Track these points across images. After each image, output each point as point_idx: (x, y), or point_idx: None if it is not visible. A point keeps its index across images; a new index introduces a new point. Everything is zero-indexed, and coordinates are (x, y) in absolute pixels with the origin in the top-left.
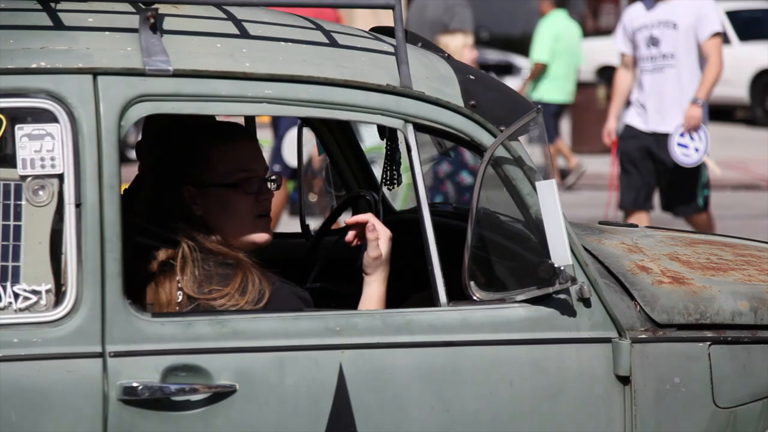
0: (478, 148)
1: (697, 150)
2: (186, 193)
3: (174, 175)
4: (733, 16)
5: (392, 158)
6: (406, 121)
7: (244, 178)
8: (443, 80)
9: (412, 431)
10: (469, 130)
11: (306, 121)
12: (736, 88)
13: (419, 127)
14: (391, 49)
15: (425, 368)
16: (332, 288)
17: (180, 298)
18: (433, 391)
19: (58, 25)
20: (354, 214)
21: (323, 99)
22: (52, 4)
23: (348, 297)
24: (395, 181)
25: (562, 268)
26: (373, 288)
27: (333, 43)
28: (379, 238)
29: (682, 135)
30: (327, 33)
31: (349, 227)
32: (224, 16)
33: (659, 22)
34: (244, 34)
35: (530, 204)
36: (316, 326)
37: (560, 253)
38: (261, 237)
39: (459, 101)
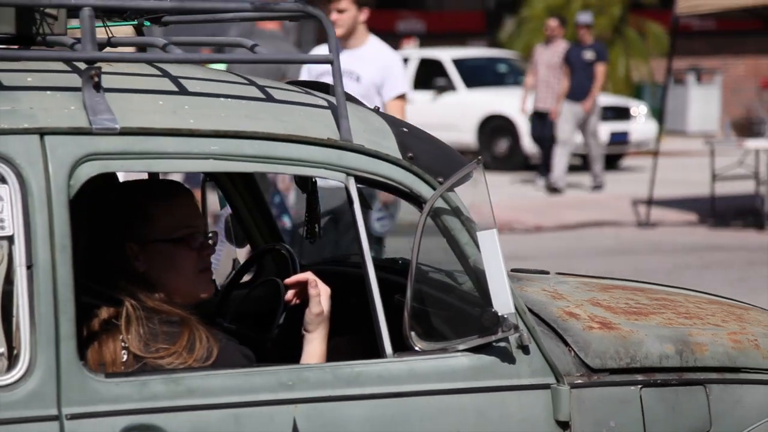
0: (417, 200)
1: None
2: (128, 250)
3: (114, 232)
4: (459, 64)
5: (312, 212)
6: (348, 174)
7: (188, 234)
8: (379, 133)
9: None
10: (408, 182)
11: (210, 175)
12: (464, 134)
13: (360, 180)
14: (325, 103)
15: (376, 419)
16: (247, 332)
17: (125, 357)
18: None
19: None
20: (259, 268)
21: (267, 154)
22: None
23: (265, 342)
24: (316, 234)
25: (504, 316)
26: (315, 345)
27: (270, 98)
28: (321, 294)
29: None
30: (262, 88)
31: (287, 286)
32: (159, 73)
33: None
34: (183, 91)
35: (468, 254)
36: (268, 381)
37: (503, 302)
38: (205, 291)
39: (397, 153)
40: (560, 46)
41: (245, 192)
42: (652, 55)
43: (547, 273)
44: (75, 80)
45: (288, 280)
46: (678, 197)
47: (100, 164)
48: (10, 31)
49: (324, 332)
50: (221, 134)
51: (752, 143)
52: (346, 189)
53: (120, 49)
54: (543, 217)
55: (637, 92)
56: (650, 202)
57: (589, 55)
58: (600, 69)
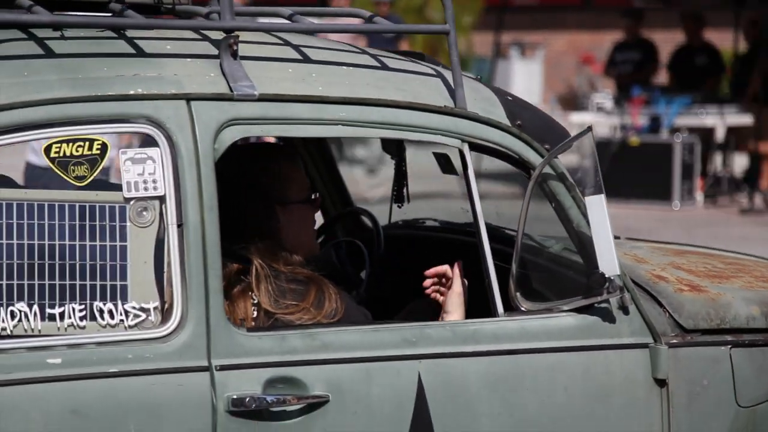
0: (525, 166)
1: None
2: (274, 212)
3: (255, 194)
4: None
5: (401, 176)
6: (463, 140)
7: (312, 194)
8: (489, 101)
9: None
10: (517, 148)
11: (282, 139)
12: None
13: (473, 146)
14: (435, 72)
15: (492, 375)
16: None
17: (255, 313)
18: (499, 397)
19: (141, 52)
20: (342, 229)
21: (390, 121)
22: (124, 32)
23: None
24: (404, 199)
25: (611, 277)
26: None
27: (387, 67)
28: (455, 276)
29: None
30: (377, 57)
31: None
32: (281, 41)
33: None
34: (308, 60)
35: (573, 218)
36: (394, 338)
37: (609, 264)
38: (317, 247)
39: (506, 121)
40: None
41: (318, 158)
42: (468, 28)
43: (618, 237)
44: (210, 48)
45: (429, 272)
46: None
47: (242, 129)
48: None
49: (462, 309)
50: (349, 101)
51: (577, 117)
52: (461, 154)
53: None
54: None
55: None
56: None
57: None
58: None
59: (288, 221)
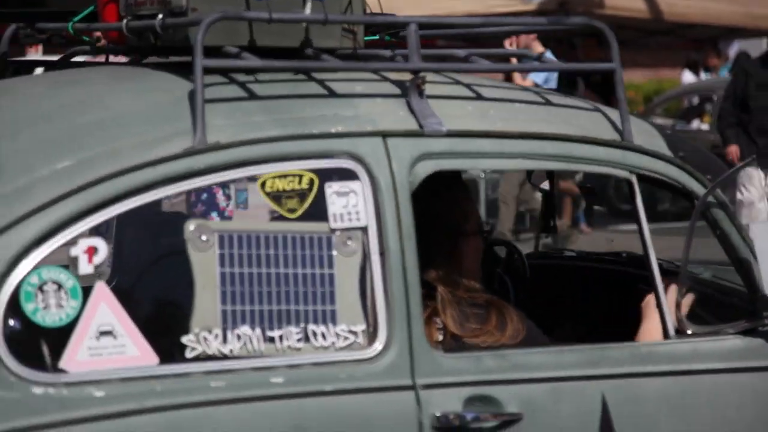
0: (689, 195)
1: None
2: (459, 242)
3: (443, 226)
4: None
5: (551, 208)
6: (631, 171)
7: (484, 226)
8: (650, 134)
9: None
10: (682, 179)
11: None
12: None
13: (640, 177)
14: (594, 107)
15: (668, 395)
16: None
17: (441, 337)
18: (677, 415)
19: (336, 93)
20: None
21: (564, 153)
22: (314, 75)
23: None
24: (553, 230)
25: None
26: (651, 324)
27: (554, 104)
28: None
29: None
30: (539, 94)
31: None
32: (452, 80)
33: None
34: (483, 97)
35: (735, 244)
36: (578, 358)
37: None
38: (480, 276)
39: (669, 153)
40: None
41: None
42: None
43: None
44: (394, 88)
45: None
46: None
47: (433, 163)
48: (294, 45)
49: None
50: (527, 135)
51: None
52: (629, 185)
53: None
54: None
55: None
56: None
57: None
58: None
59: (467, 251)
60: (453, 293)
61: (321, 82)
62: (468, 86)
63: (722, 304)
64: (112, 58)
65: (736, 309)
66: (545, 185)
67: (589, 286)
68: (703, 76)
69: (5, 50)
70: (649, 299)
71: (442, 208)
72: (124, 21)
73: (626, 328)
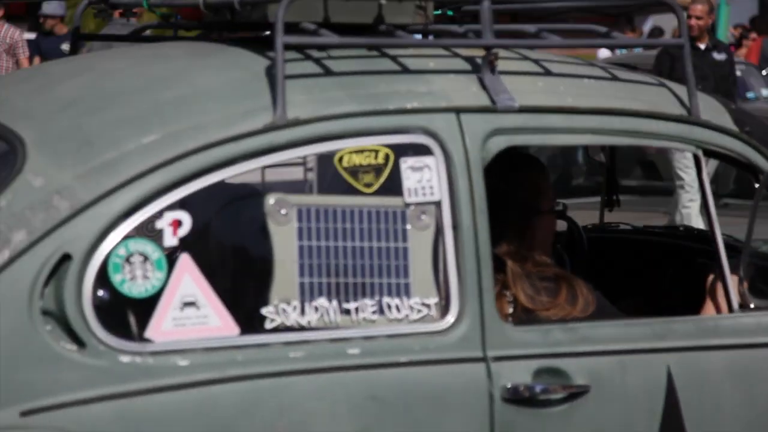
0: (754, 170)
1: None
2: (532, 220)
3: (518, 204)
4: None
5: (614, 182)
6: (698, 146)
7: (557, 204)
8: (717, 110)
9: (724, 423)
10: (747, 153)
11: None
12: None
13: (707, 152)
14: (659, 82)
15: (734, 367)
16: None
17: (511, 309)
18: (741, 389)
19: (409, 69)
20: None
21: (633, 128)
22: (387, 51)
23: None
24: (616, 203)
25: None
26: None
27: (622, 79)
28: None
29: None
30: (606, 69)
31: None
32: (520, 56)
33: None
34: (553, 73)
35: None
36: (645, 332)
37: None
38: (550, 252)
39: (735, 128)
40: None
41: None
42: None
43: None
44: (465, 64)
45: None
46: None
47: (506, 139)
48: (367, 21)
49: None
50: (597, 111)
51: None
52: (696, 159)
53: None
54: None
55: None
56: None
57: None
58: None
59: (539, 228)
60: (523, 267)
61: (394, 59)
62: (537, 62)
63: None
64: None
65: None
66: (601, 157)
67: (647, 259)
68: (618, 52)
69: (78, 25)
70: (712, 274)
71: (517, 184)
72: None
73: (686, 302)
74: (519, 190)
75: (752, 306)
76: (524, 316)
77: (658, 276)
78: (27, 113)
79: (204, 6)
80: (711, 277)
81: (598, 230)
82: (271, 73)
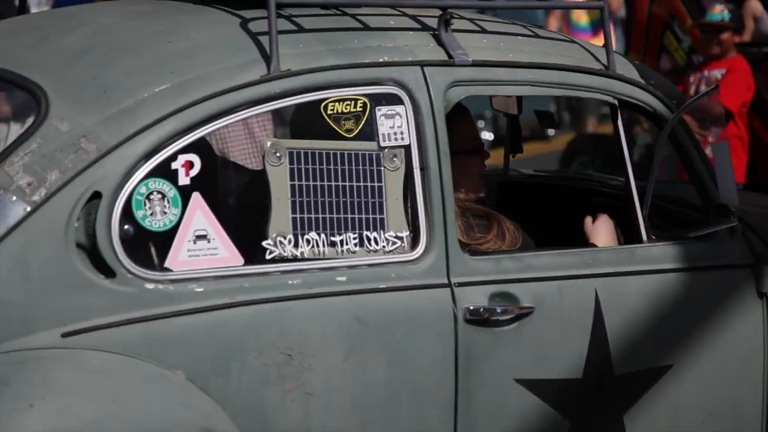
0: (659, 119)
1: None
2: (462, 162)
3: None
4: None
5: (517, 129)
6: (614, 97)
7: (479, 146)
8: (626, 66)
9: (639, 338)
10: (653, 104)
11: None
12: None
13: (621, 102)
14: (579, 41)
15: (646, 290)
16: None
17: None
18: (654, 309)
19: (373, 27)
20: None
21: (566, 82)
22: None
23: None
24: (519, 149)
25: (732, 209)
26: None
27: (549, 38)
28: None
29: None
30: (533, 29)
31: None
32: (458, 16)
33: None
34: (490, 31)
35: (694, 161)
36: (576, 260)
37: (731, 198)
38: (482, 190)
39: (643, 81)
40: None
41: None
42: None
43: None
44: (424, 23)
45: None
46: None
47: (462, 90)
48: None
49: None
50: (534, 65)
51: None
52: (612, 108)
53: None
54: None
55: None
56: None
57: None
58: None
59: (468, 168)
60: (459, 206)
61: (361, 17)
62: (478, 22)
63: (681, 214)
64: None
65: (692, 219)
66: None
67: (549, 200)
68: None
69: None
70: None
71: (449, 129)
72: None
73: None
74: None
75: (653, 237)
76: (462, 250)
77: (561, 215)
78: (40, 64)
79: None
80: (602, 215)
81: (502, 175)
82: (259, 29)
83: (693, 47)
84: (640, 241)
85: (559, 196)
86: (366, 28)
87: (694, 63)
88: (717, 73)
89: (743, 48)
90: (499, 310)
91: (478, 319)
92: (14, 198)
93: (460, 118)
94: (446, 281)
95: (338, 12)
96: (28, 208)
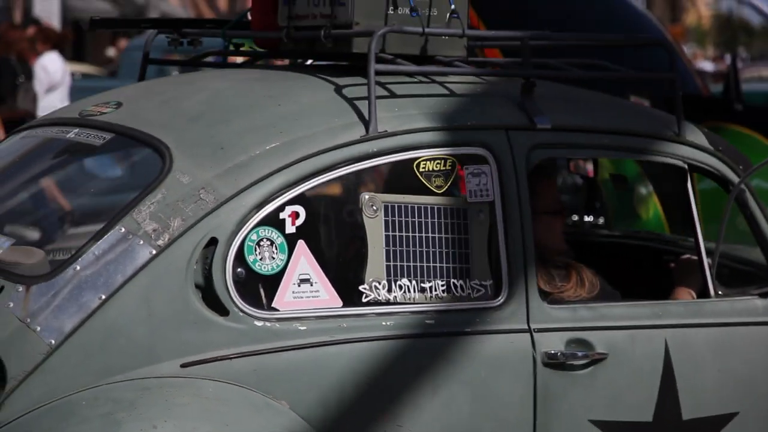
0: (726, 183)
1: None
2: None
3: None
4: None
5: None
6: (684, 161)
7: (561, 207)
8: (694, 132)
9: (707, 386)
10: (721, 168)
11: None
12: None
13: (690, 166)
14: (651, 109)
15: (713, 342)
16: None
17: None
18: (720, 359)
19: (462, 93)
20: None
21: (640, 147)
22: (441, 77)
23: None
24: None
25: None
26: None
27: (621, 105)
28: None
29: None
30: (610, 97)
31: None
32: (547, 85)
33: None
34: (572, 99)
35: (760, 223)
36: (647, 312)
37: None
38: (564, 248)
39: (710, 147)
40: None
41: None
42: None
43: None
44: (508, 90)
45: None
46: None
47: (543, 152)
48: (414, 53)
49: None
50: (610, 131)
51: None
52: (681, 172)
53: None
54: None
55: None
56: None
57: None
58: None
59: (550, 225)
60: (541, 258)
61: (453, 84)
62: (560, 89)
63: (747, 273)
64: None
65: (757, 277)
66: (584, 171)
67: (624, 258)
68: None
69: (147, 51)
70: (682, 267)
71: (534, 191)
72: (284, 30)
73: (656, 290)
74: (534, 195)
75: (720, 293)
76: (544, 298)
77: (632, 269)
78: (164, 124)
79: (287, 38)
80: (685, 270)
81: (583, 234)
82: (360, 94)
83: None
84: (708, 296)
85: (631, 252)
86: (455, 94)
87: None
88: None
89: None
90: (575, 355)
91: (555, 362)
92: (141, 242)
93: (544, 182)
94: (526, 327)
95: (430, 80)
96: (154, 252)
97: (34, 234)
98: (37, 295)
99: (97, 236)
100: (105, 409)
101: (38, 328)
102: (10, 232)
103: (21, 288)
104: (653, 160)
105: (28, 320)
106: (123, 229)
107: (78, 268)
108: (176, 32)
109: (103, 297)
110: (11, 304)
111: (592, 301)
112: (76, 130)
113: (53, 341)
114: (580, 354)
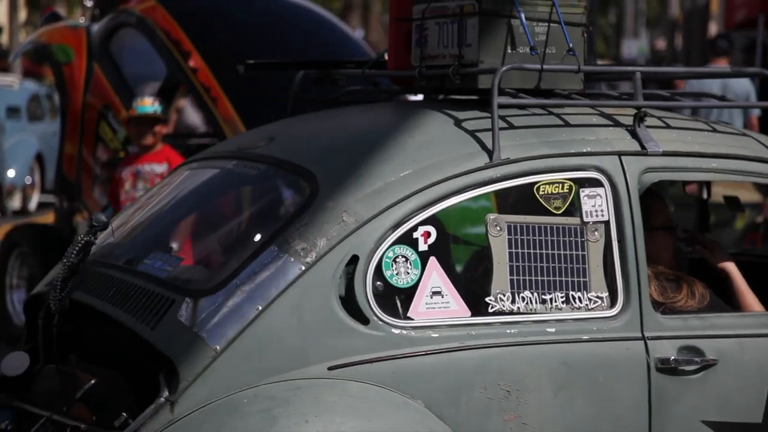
0: None
1: None
2: (656, 235)
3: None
4: None
5: (705, 212)
6: None
7: (673, 225)
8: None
9: None
10: None
11: None
12: None
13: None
14: (756, 135)
15: None
16: None
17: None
18: None
19: (578, 123)
20: None
21: (745, 169)
22: (558, 109)
23: None
24: (706, 229)
25: None
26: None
27: (728, 132)
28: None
29: None
30: (718, 124)
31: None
32: (657, 113)
33: None
34: (681, 127)
35: None
36: (755, 321)
37: None
38: (676, 262)
39: None
40: None
41: None
42: None
43: None
44: (621, 119)
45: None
46: None
47: (654, 175)
48: (533, 87)
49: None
50: (717, 155)
51: None
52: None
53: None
54: None
55: None
56: None
57: None
58: None
59: (656, 241)
60: (653, 271)
61: (569, 115)
62: (670, 118)
63: None
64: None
65: None
66: (695, 191)
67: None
68: None
69: (297, 90)
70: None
71: (647, 210)
72: (417, 69)
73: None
74: (645, 213)
75: None
76: (657, 308)
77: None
78: (310, 155)
79: (420, 76)
80: None
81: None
82: (484, 125)
83: (128, 138)
84: None
85: (740, 268)
86: (571, 123)
87: (129, 155)
88: (156, 168)
89: (169, 139)
90: (687, 360)
91: (668, 368)
92: (292, 259)
93: (657, 202)
94: (640, 335)
95: (547, 111)
96: (303, 268)
97: (200, 253)
98: (204, 307)
99: (254, 255)
100: (263, 406)
101: (205, 336)
102: (180, 252)
103: (191, 301)
104: (757, 182)
105: (197, 329)
106: (276, 249)
107: (238, 283)
108: (322, 73)
109: (260, 308)
110: (183, 315)
111: (702, 311)
112: (235, 162)
113: (218, 347)
114: (692, 360)
